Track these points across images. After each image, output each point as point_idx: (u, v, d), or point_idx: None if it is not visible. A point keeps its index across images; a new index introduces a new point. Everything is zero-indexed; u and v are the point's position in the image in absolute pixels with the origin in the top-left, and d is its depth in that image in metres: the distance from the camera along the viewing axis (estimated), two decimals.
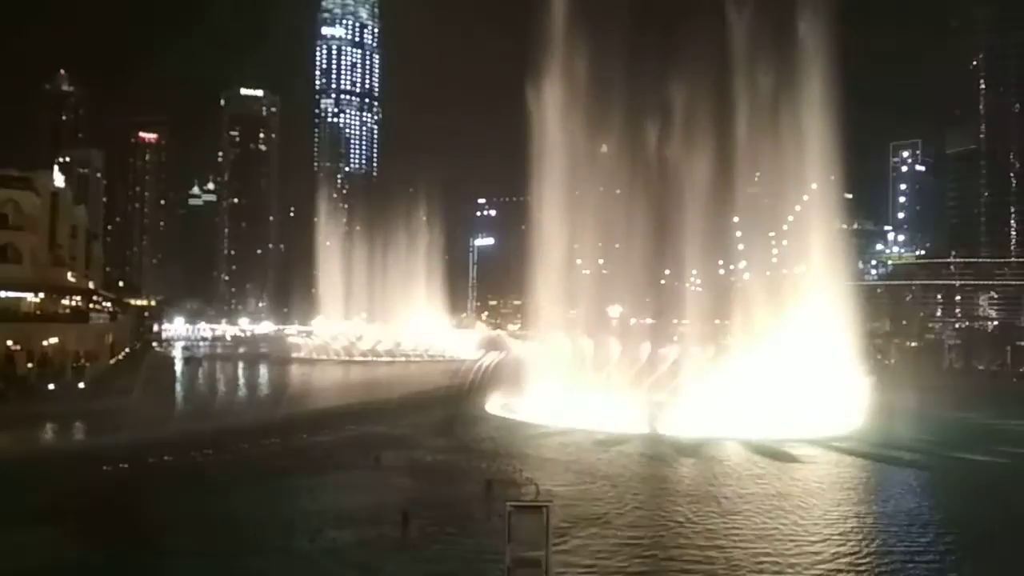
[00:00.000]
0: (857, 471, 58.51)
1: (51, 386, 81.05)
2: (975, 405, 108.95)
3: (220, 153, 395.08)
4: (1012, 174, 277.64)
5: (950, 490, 52.62)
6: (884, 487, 53.55)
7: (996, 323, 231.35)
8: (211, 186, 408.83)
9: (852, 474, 57.50)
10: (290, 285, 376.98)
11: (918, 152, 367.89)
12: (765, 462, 58.50)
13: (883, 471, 58.43)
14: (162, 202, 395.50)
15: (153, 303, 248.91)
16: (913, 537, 39.33)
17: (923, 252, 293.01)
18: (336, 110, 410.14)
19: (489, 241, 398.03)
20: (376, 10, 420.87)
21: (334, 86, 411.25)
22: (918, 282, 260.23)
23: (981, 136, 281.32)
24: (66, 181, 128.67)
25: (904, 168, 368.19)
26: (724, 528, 39.83)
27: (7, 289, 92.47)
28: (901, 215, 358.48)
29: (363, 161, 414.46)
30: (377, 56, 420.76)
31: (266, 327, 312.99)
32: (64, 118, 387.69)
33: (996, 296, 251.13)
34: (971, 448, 66.94)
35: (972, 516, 44.04)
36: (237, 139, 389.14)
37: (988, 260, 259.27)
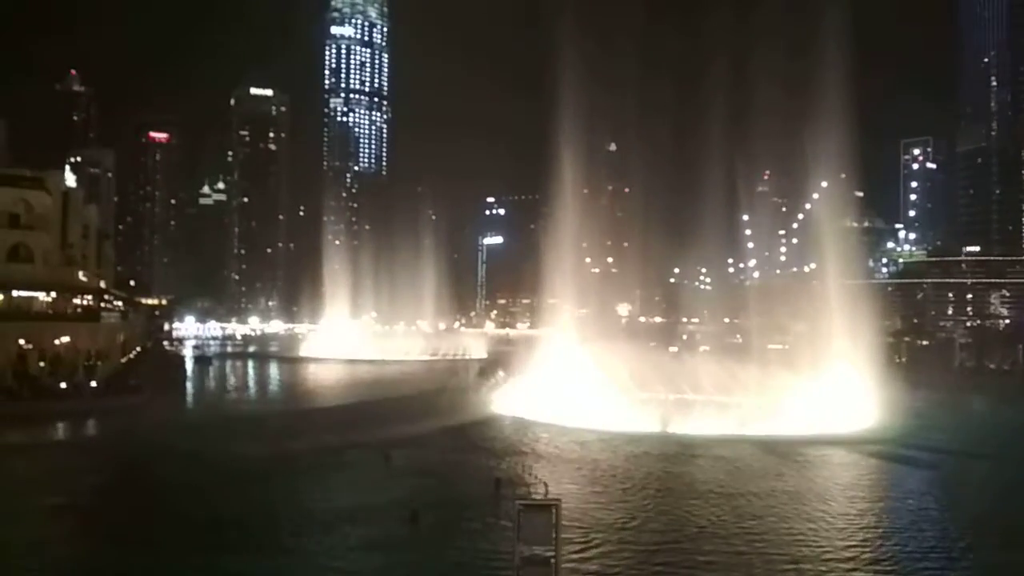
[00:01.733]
0: (873, 471, 58.24)
1: (63, 385, 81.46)
2: (986, 403, 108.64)
3: (230, 152, 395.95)
4: (1023, 171, 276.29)
5: (969, 489, 52.41)
6: (902, 487, 53.29)
7: (1008, 321, 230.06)
8: (221, 185, 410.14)
9: (868, 474, 57.24)
10: (300, 284, 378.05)
11: (929, 150, 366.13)
12: (779, 461, 58.31)
13: (899, 471, 58.17)
14: (172, 201, 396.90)
15: (164, 302, 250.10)
16: (943, 537, 39.29)
17: (939, 247, 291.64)
18: (345, 109, 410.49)
19: (498, 240, 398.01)
20: (385, 9, 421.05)
21: (343, 85, 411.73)
22: (929, 280, 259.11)
23: (992, 133, 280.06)
24: (77, 181, 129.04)
25: (915, 166, 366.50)
26: (748, 531, 39.59)
27: (19, 288, 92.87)
28: (912, 213, 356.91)
29: (372, 160, 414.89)
30: (386, 55, 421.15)
31: (276, 326, 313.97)
32: (75, 118, 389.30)
33: (1008, 294, 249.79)
34: (988, 446, 66.64)
35: (997, 516, 43.81)
36: (247, 138, 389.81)
37: (1000, 258, 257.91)
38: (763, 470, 55.44)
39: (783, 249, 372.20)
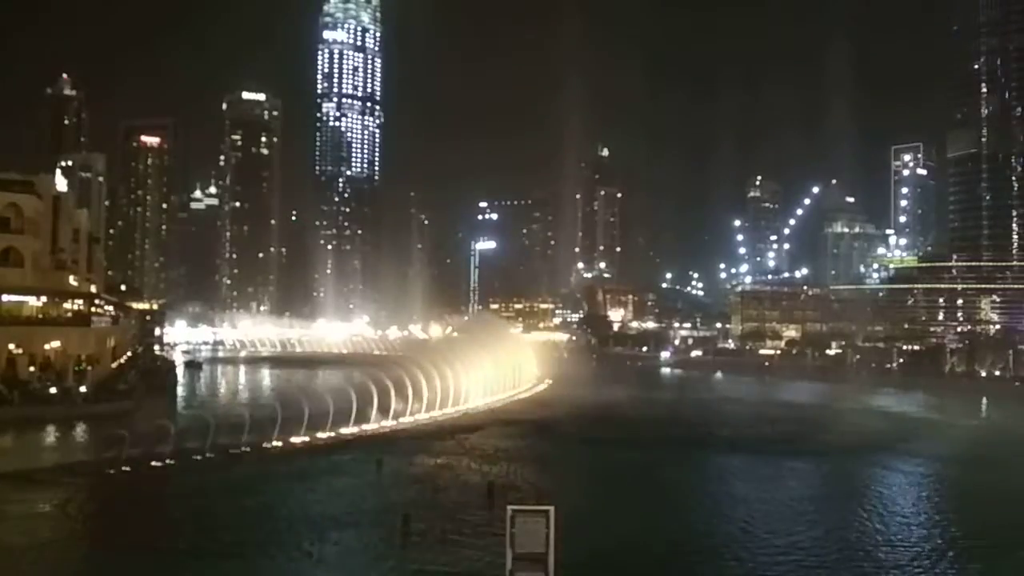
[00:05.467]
0: (870, 480, 58.16)
1: (53, 390, 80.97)
2: (978, 408, 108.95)
3: (222, 157, 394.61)
4: (1014, 177, 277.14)
5: (956, 493, 52.51)
6: (888, 491, 53.30)
7: (998, 327, 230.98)
8: (213, 190, 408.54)
9: (855, 479, 57.23)
10: (292, 289, 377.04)
11: (920, 155, 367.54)
12: (774, 470, 58.28)
13: (883, 476, 58.18)
14: (164, 206, 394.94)
15: (155, 307, 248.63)
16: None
17: (929, 252, 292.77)
18: (338, 114, 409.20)
19: (491, 244, 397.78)
20: (378, 14, 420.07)
21: (336, 90, 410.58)
22: (920, 286, 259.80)
23: (983, 139, 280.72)
24: (68, 185, 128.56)
25: (906, 171, 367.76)
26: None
27: (9, 293, 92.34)
28: (903, 219, 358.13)
29: (364, 165, 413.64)
30: (379, 60, 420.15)
31: (268, 331, 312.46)
32: (66, 122, 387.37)
33: (998, 300, 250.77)
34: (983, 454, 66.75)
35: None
36: (239, 143, 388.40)
37: (990, 263, 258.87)
38: (759, 478, 55.48)
39: (772, 254, 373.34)
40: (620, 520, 41.63)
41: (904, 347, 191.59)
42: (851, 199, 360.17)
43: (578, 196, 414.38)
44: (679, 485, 52.20)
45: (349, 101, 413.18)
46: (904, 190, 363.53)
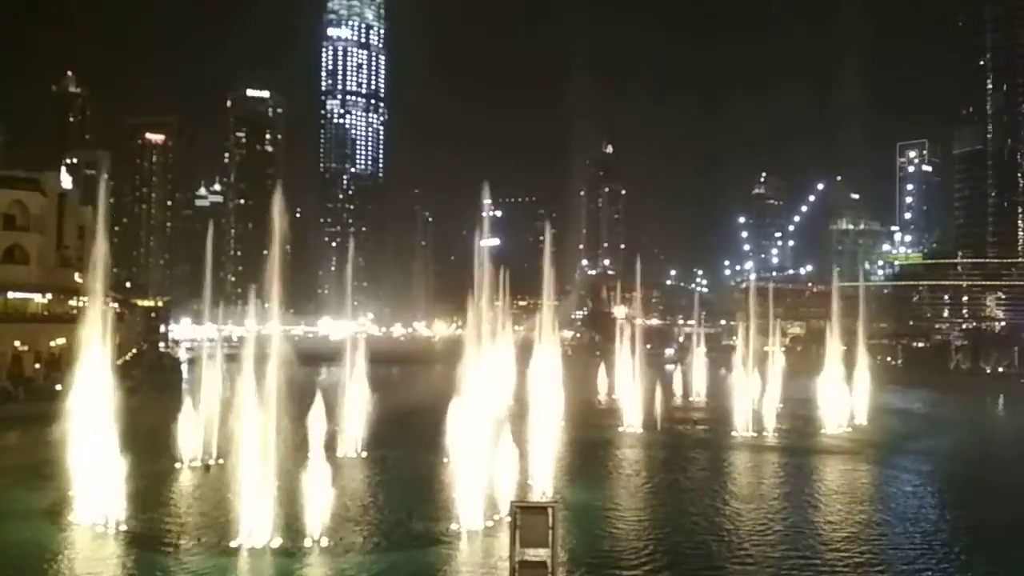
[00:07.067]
0: (867, 475, 58.08)
1: (59, 386, 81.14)
2: (983, 405, 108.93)
3: (226, 154, 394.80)
4: (1019, 174, 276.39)
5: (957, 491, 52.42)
6: (894, 489, 53.19)
7: (1003, 324, 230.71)
8: (217, 187, 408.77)
9: (863, 477, 57.13)
10: (296, 286, 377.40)
11: (925, 152, 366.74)
12: (775, 468, 58.20)
13: (890, 475, 58.06)
14: (168, 203, 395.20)
15: (160, 304, 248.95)
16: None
17: (935, 249, 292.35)
18: (342, 111, 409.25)
19: (495, 242, 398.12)
20: (382, 11, 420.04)
21: (340, 87, 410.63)
22: (925, 283, 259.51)
23: (988, 136, 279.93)
24: (73, 182, 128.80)
25: (911, 168, 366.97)
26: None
27: (14, 290, 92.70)
28: (908, 215, 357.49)
29: (369, 162, 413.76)
30: (383, 57, 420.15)
31: (272, 328, 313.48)
32: (71, 119, 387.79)
33: (1003, 296, 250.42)
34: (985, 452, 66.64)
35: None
36: (243, 140, 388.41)
37: (995, 260, 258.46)
38: (758, 475, 55.46)
39: (777, 251, 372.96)
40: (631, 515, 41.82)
41: (910, 344, 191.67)
42: (856, 196, 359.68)
43: (582, 193, 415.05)
44: (684, 482, 52.17)
45: (353, 98, 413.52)
46: (909, 187, 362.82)
